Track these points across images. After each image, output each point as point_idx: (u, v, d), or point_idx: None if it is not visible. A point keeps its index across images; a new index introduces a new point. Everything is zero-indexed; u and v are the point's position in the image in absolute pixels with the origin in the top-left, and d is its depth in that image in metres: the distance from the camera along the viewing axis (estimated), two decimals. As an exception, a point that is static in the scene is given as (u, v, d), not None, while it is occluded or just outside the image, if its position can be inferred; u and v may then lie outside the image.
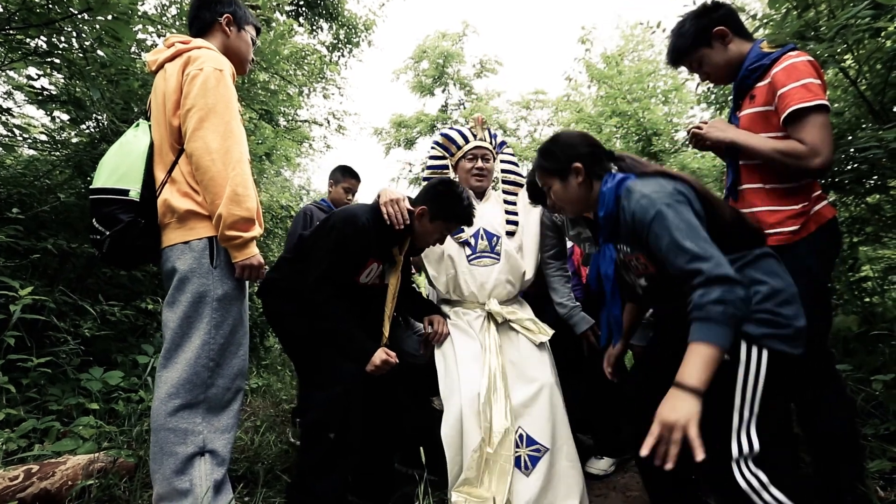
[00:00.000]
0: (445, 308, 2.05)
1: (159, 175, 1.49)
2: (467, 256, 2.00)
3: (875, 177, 2.05)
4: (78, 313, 2.49)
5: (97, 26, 2.28)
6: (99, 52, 2.51)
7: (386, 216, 1.72)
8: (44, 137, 2.92)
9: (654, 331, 1.56)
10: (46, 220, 2.63)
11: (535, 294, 2.28)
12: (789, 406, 1.50)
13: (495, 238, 2.02)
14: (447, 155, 2.16)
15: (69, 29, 2.39)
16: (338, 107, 7.00)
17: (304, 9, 7.14)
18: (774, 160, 1.40)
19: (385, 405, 1.82)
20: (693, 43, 1.54)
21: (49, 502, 1.56)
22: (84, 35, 2.46)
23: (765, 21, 2.25)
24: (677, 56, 1.61)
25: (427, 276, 2.10)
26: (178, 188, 1.46)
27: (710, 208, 1.19)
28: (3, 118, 2.66)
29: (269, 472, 1.95)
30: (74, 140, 2.97)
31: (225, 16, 1.61)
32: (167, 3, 3.44)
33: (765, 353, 1.12)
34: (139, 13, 2.56)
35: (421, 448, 1.58)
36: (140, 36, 2.88)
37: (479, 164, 2.08)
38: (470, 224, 1.84)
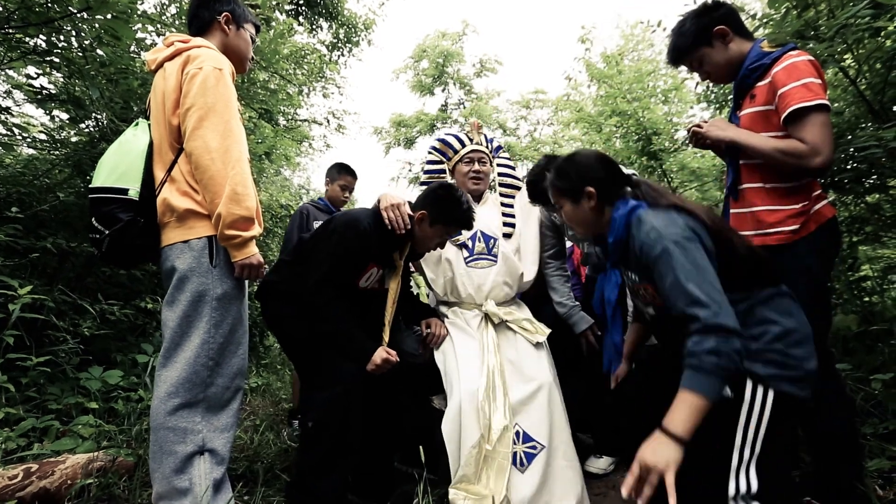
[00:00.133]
0: (443, 308, 2.05)
1: (159, 174, 1.49)
2: (465, 259, 2.01)
3: (874, 176, 2.05)
4: (77, 312, 2.49)
5: (96, 25, 2.28)
6: (98, 51, 2.51)
7: (387, 221, 1.73)
8: (43, 136, 2.92)
9: (655, 332, 1.56)
10: (46, 219, 2.63)
11: (534, 295, 2.29)
12: (794, 441, 1.49)
13: (492, 240, 2.04)
14: (444, 159, 2.19)
15: (68, 28, 2.38)
16: (337, 106, 7.01)
17: (303, 8, 7.14)
18: (775, 159, 1.40)
19: (385, 405, 1.82)
20: (694, 42, 1.54)
21: (48, 501, 1.56)
22: (83, 34, 2.46)
23: (764, 21, 2.25)
24: (678, 55, 1.61)
25: (425, 279, 2.11)
26: (177, 187, 1.46)
27: (722, 244, 1.17)
28: (3, 117, 2.66)
29: (269, 470, 1.95)
30: (74, 139, 2.96)
31: (224, 14, 1.61)
32: (166, 2, 3.43)
33: (770, 394, 1.10)
34: (138, 12, 2.56)
35: (420, 447, 1.58)
36: (139, 35, 2.88)
37: (476, 167, 2.10)
38: (470, 228, 1.84)
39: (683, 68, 1.72)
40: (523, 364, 1.84)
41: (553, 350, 1.95)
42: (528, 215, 2.15)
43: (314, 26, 7.48)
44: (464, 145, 2.14)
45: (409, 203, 1.82)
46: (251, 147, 2.68)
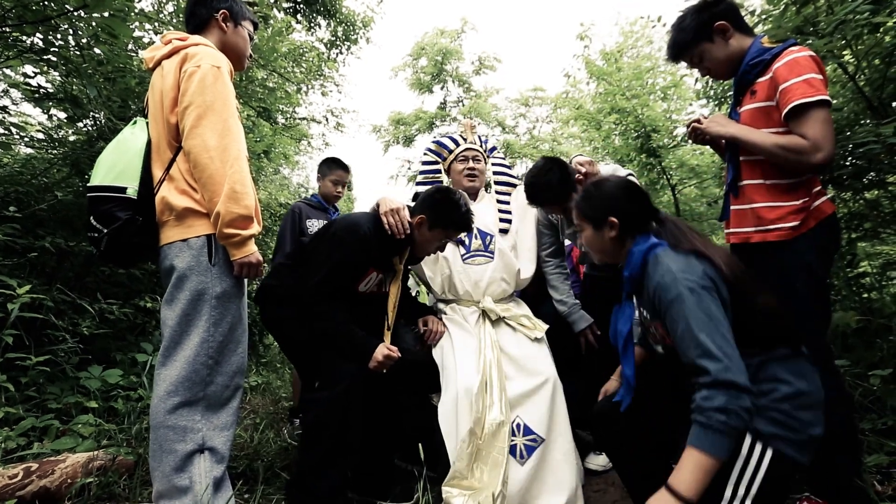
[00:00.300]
0: (441, 305, 2.06)
1: (157, 172, 1.49)
2: (462, 256, 2.03)
3: (873, 172, 2.05)
4: (76, 312, 2.49)
5: (93, 23, 2.27)
6: (95, 49, 2.50)
7: (387, 226, 1.73)
8: (41, 135, 2.91)
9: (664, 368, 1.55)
10: (44, 218, 2.62)
11: (532, 293, 2.29)
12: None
13: (489, 237, 2.05)
14: (439, 160, 2.23)
15: (65, 26, 2.37)
16: (336, 104, 6.96)
17: (301, 5, 7.11)
18: (776, 155, 1.39)
19: (385, 404, 1.83)
20: (694, 37, 1.54)
21: (48, 500, 1.56)
22: (80, 32, 2.45)
23: (763, 17, 2.25)
24: (678, 51, 1.60)
25: (423, 280, 2.13)
26: (175, 186, 1.45)
27: (741, 297, 1.13)
28: (0, 116, 2.65)
29: (269, 469, 1.95)
30: (72, 138, 2.95)
31: (221, 12, 1.60)
32: (164, 0, 3.42)
33: (769, 453, 1.06)
34: (135, 10, 2.55)
35: (420, 444, 1.58)
36: (137, 33, 2.87)
37: (471, 164, 2.14)
38: (469, 230, 1.85)
39: (683, 65, 1.72)
40: (527, 359, 1.85)
41: (552, 348, 1.95)
42: (525, 213, 2.16)
43: (312, 24, 7.46)
44: (458, 145, 2.19)
45: (408, 207, 1.82)
46: (250, 145, 2.66)
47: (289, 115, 5.71)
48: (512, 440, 1.69)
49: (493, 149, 2.32)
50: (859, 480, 1.38)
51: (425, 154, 2.26)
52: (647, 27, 6.31)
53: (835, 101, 2.14)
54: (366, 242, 1.69)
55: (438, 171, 2.22)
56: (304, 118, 6.44)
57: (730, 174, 1.57)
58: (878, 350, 2.08)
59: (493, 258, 2.03)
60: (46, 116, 2.83)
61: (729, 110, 1.63)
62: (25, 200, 2.56)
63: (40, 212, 2.57)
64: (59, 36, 2.39)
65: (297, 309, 1.70)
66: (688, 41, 1.56)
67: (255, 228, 1.47)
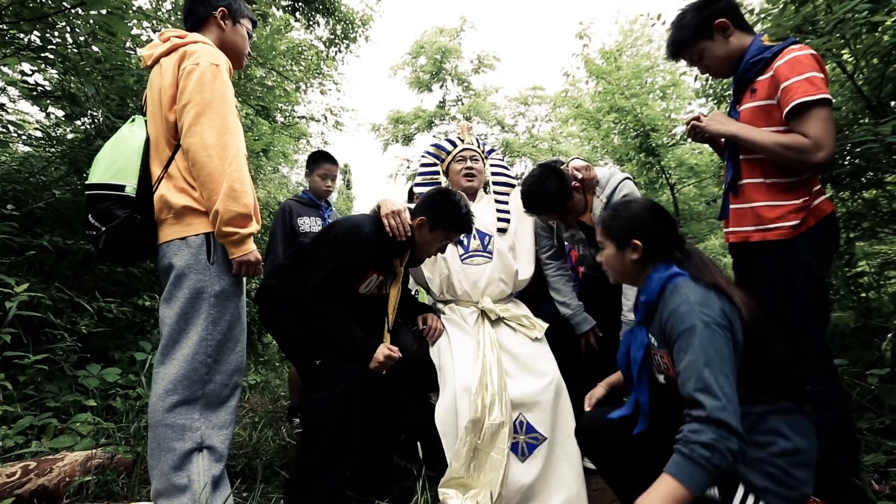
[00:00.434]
0: (440, 305, 2.06)
1: (155, 171, 1.48)
2: (460, 256, 2.03)
3: (871, 172, 2.05)
4: (75, 310, 2.48)
5: (91, 21, 2.26)
6: (93, 47, 2.49)
7: (388, 229, 1.73)
8: (38, 134, 2.90)
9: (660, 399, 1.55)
10: (42, 216, 2.61)
11: (532, 293, 2.29)
12: None
13: (487, 237, 2.06)
14: (438, 161, 2.25)
15: (62, 24, 2.36)
16: (335, 103, 6.99)
17: (300, 3, 7.09)
18: (777, 154, 1.39)
19: (385, 404, 1.83)
20: (694, 35, 1.53)
21: (47, 499, 1.55)
22: (78, 30, 2.44)
23: (763, 16, 2.25)
24: (678, 48, 1.60)
25: (421, 282, 2.13)
26: (174, 184, 1.45)
27: (755, 341, 1.12)
28: (-2, 114, 2.64)
29: (268, 467, 1.95)
30: (69, 136, 2.94)
31: (220, 9, 1.59)
32: (162, -2, 3.41)
33: None
34: (133, 8, 2.54)
35: (419, 444, 1.58)
36: (135, 31, 2.86)
37: (469, 164, 2.15)
38: (469, 231, 1.86)
39: (682, 64, 1.72)
40: (529, 358, 1.85)
41: (552, 348, 1.95)
42: (524, 215, 2.16)
43: (311, 22, 7.44)
44: (455, 146, 2.21)
45: (409, 209, 1.82)
46: (248, 144, 2.64)
47: (287, 114, 5.70)
48: (514, 437, 1.69)
49: (492, 150, 2.34)
50: (857, 479, 1.39)
51: (423, 156, 2.28)
52: (647, 26, 6.32)
53: (833, 101, 2.14)
54: (367, 244, 1.69)
55: (437, 173, 2.24)
56: (302, 117, 6.43)
57: (729, 173, 1.57)
58: (875, 349, 2.09)
59: (491, 258, 2.03)
60: (44, 114, 2.82)
61: (728, 109, 1.63)
62: (23, 198, 2.55)
63: (38, 210, 2.56)
64: (56, 33, 2.39)
65: (296, 309, 1.70)
66: (688, 38, 1.55)
67: (254, 227, 1.47)
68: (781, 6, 2.04)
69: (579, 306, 2.08)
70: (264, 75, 4.36)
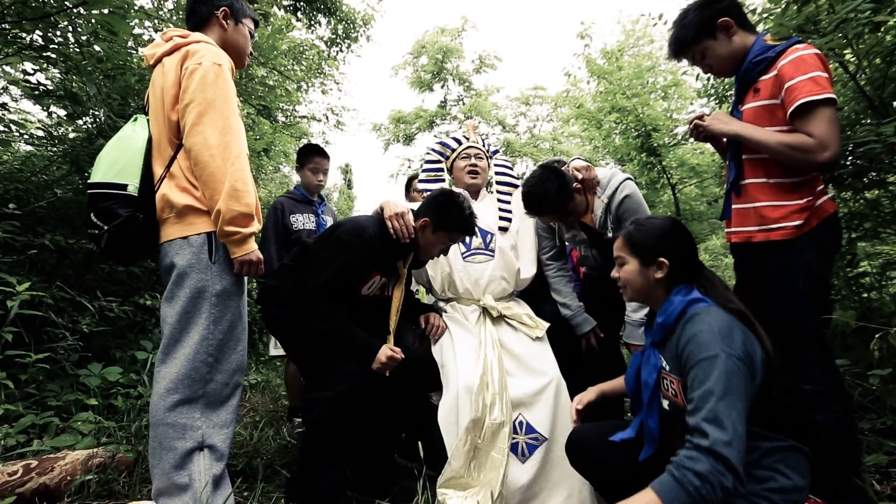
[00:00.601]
0: (441, 304, 2.06)
1: (158, 170, 1.49)
2: (462, 254, 2.04)
3: (874, 172, 2.05)
4: (76, 309, 2.49)
5: (92, 20, 2.26)
6: (95, 46, 2.50)
7: (392, 231, 1.73)
8: (40, 133, 2.90)
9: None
10: (44, 215, 2.62)
11: (533, 292, 2.29)
12: None
13: (489, 235, 2.06)
14: (442, 159, 2.25)
15: (64, 23, 2.37)
16: (336, 102, 7.00)
17: (301, 3, 7.10)
18: (781, 154, 1.39)
19: (385, 404, 1.83)
20: (697, 34, 1.52)
21: (48, 497, 1.56)
22: (80, 29, 2.44)
23: (765, 15, 2.25)
24: (680, 47, 1.59)
25: (423, 282, 2.13)
26: (176, 183, 1.45)
27: (772, 380, 1.09)
28: (0, 113, 2.65)
29: (268, 467, 1.95)
30: (71, 135, 2.95)
31: (222, 9, 1.60)
32: (164, -2, 3.42)
33: None
34: (135, 7, 2.54)
35: (419, 443, 1.58)
36: (136, 31, 2.86)
37: (473, 161, 2.16)
38: (472, 233, 1.86)
39: (683, 63, 1.71)
40: (530, 357, 1.85)
41: (553, 349, 1.95)
42: (526, 215, 2.15)
43: (312, 22, 7.44)
44: (460, 144, 2.22)
45: (412, 211, 1.83)
46: (249, 143, 2.64)
47: (289, 113, 5.71)
48: (514, 438, 1.69)
49: (496, 151, 2.35)
50: (858, 480, 1.39)
51: (428, 153, 2.29)
52: (649, 25, 6.31)
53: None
54: (370, 246, 1.69)
55: (441, 170, 2.24)
56: (304, 116, 6.44)
57: (731, 173, 1.56)
58: (877, 350, 2.08)
59: (493, 256, 2.04)
60: (46, 114, 2.83)
61: (730, 108, 1.62)
62: (25, 198, 2.56)
63: (40, 209, 2.57)
64: (58, 33, 2.39)
65: (298, 310, 1.70)
66: (690, 37, 1.54)
67: (256, 226, 1.47)
68: (783, 6, 2.03)
69: (580, 307, 2.08)
70: (266, 75, 4.36)
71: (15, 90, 2.71)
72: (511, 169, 2.30)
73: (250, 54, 1.75)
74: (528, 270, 2.10)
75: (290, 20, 4.66)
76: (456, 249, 2.03)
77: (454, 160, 2.20)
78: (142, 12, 2.70)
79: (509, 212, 2.14)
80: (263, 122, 4.51)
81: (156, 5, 3.41)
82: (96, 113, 2.76)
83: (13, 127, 2.74)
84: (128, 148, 1.47)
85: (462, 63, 13.24)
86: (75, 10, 2.21)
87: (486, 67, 13.35)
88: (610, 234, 1.89)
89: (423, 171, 2.25)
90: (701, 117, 1.58)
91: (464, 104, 13.11)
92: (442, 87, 13.40)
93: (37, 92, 2.59)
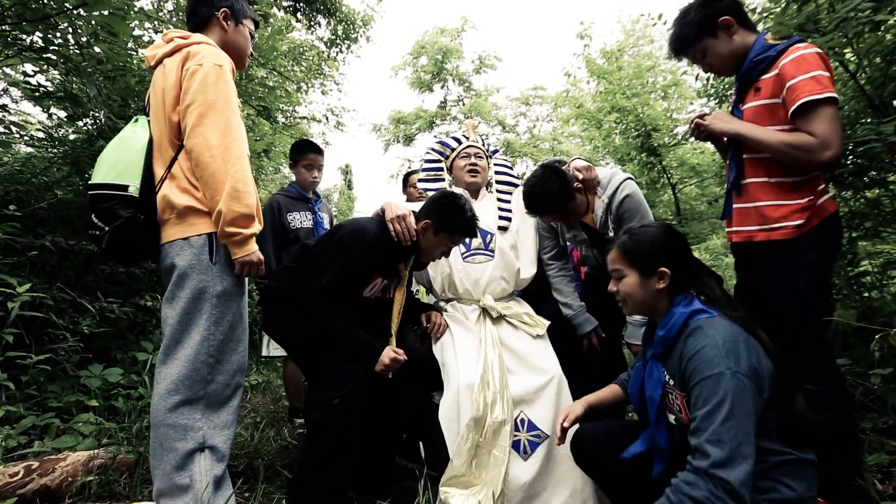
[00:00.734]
0: (441, 303, 2.07)
1: (158, 171, 1.49)
2: (462, 254, 2.04)
3: (874, 171, 2.05)
4: (77, 310, 2.49)
5: (93, 22, 2.26)
6: (95, 48, 2.50)
7: (393, 233, 1.73)
8: (41, 134, 2.91)
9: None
10: (44, 217, 2.62)
11: (534, 291, 2.29)
12: None
13: (489, 235, 2.06)
14: (442, 158, 2.26)
15: (64, 24, 2.37)
16: (336, 103, 6.96)
17: (301, 4, 7.10)
18: (783, 153, 1.38)
19: (386, 403, 1.83)
20: (697, 32, 1.52)
21: (49, 498, 1.56)
22: (80, 31, 2.44)
23: (765, 15, 2.25)
24: (681, 46, 1.58)
25: (424, 283, 2.13)
26: (177, 184, 1.45)
27: (782, 395, 1.06)
28: (0, 115, 2.65)
29: (270, 467, 1.95)
30: (72, 137, 2.95)
31: (222, 10, 1.60)
32: (164, -1, 3.42)
33: None
34: (135, 9, 2.55)
35: (420, 443, 1.58)
36: (136, 32, 2.86)
37: (473, 160, 2.16)
38: (474, 235, 1.86)
39: (683, 63, 1.71)
40: (530, 355, 1.85)
41: (554, 349, 1.95)
42: (526, 215, 2.16)
43: (312, 22, 7.44)
44: (460, 143, 2.22)
45: (413, 213, 1.83)
46: (250, 144, 2.64)
47: (289, 114, 5.70)
48: (516, 436, 1.69)
49: (496, 151, 2.35)
50: (860, 479, 1.38)
51: (428, 152, 2.29)
52: (648, 25, 6.31)
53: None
54: (372, 248, 1.69)
55: (441, 169, 2.25)
56: (304, 117, 6.44)
57: (732, 172, 1.56)
58: (877, 349, 2.08)
59: (493, 257, 2.04)
60: (46, 115, 2.83)
61: (731, 107, 1.62)
62: (25, 199, 2.56)
63: (40, 210, 2.57)
64: (58, 34, 2.39)
65: (299, 312, 1.70)
66: (691, 36, 1.54)
67: (257, 227, 1.47)
68: (784, 5, 2.04)
69: (581, 307, 2.08)
70: (266, 76, 4.36)
71: (15, 92, 2.71)
72: (511, 169, 2.31)
73: (251, 55, 1.75)
74: (528, 270, 2.11)
75: (290, 21, 4.66)
76: (456, 250, 2.03)
77: (454, 159, 2.21)
78: (142, 13, 2.70)
79: (509, 211, 2.14)
80: (263, 123, 4.51)
81: (156, 6, 3.41)
82: (96, 114, 2.76)
83: (13, 128, 2.74)
84: (128, 149, 1.47)
85: (462, 63, 13.26)
86: (75, 12, 2.21)
87: (486, 68, 13.37)
88: (611, 234, 1.89)
89: (423, 170, 2.25)
90: (702, 116, 1.58)
91: (464, 104, 13.12)
92: (442, 87, 13.42)
93: (37, 93, 2.59)
